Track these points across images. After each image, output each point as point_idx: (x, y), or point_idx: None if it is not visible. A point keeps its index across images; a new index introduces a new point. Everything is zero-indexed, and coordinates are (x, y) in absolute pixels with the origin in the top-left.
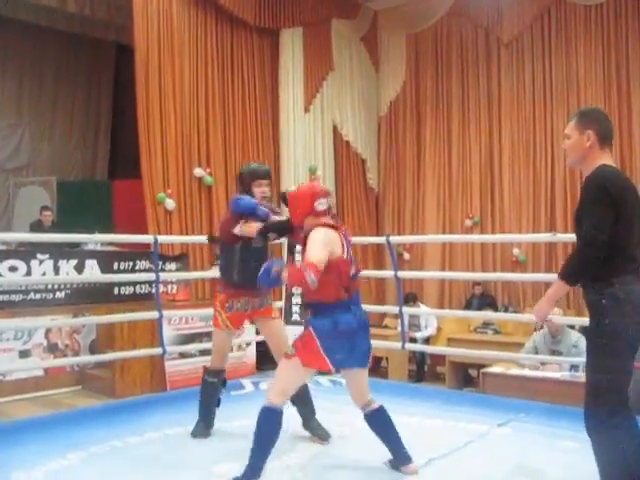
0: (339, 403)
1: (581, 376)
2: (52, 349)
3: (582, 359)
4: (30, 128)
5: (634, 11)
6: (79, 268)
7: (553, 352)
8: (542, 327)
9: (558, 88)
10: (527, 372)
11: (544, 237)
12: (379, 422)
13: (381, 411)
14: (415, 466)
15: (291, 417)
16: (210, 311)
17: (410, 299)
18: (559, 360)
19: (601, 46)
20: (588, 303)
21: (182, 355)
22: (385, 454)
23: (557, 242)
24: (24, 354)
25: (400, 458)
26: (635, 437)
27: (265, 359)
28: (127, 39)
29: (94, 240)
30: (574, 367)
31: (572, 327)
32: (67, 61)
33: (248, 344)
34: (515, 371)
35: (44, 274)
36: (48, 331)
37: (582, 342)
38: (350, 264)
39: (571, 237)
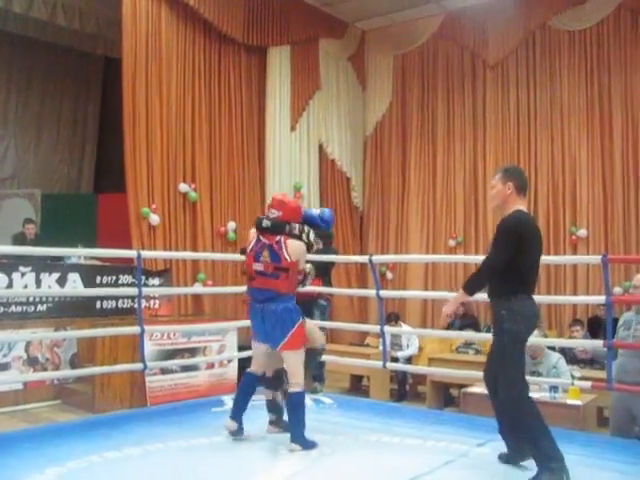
0: (318, 422)
1: (561, 397)
2: (32, 362)
3: (562, 380)
4: (16, 140)
5: (616, 37)
6: (61, 281)
7: (533, 373)
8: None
9: (542, 111)
10: None
11: None
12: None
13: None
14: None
15: (270, 439)
16: (191, 327)
17: (392, 318)
18: (539, 381)
19: (584, 70)
20: (493, 313)
21: (163, 371)
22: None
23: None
24: (3, 367)
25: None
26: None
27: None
28: (115, 53)
29: (78, 254)
30: (554, 388)
31: (552, 349)
32: (55, 73)
33: (230, 360)
34: None
35: (26, 287)
36: (29, 344)
37: (562, 363)
38: (252, 259)
39: (553, 259)
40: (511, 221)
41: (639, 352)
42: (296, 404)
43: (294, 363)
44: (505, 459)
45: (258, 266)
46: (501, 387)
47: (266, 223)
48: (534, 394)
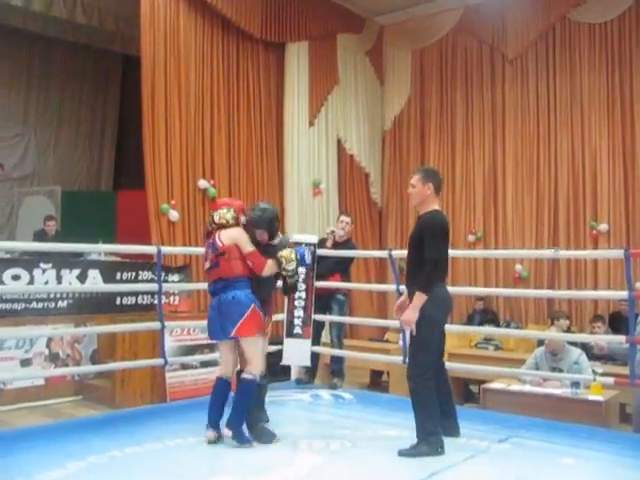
0: (338, 417)
1: (583, 393)
2: (53, 358)
3: (584, 376)
4: (36, 138)
5: (638, 30)
6: (82, 278)
7: (554, 369)
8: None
9: (562, 105)
10: (528, 388)
11: (546, 253)
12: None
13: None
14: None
15: (290, 434)
16: None
17: None
18: (560, 377)
19: (605, 64)
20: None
21: (183, 366)
22: (386, 468)
23: (560, 258)
24: (25, 363)
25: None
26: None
27: (271, 371)
28: (134, 50)
29: (97, 250)
30: (575, 384)
31: (574, 344)
32: (74, 71)
33: None
34: (516, 387)
35: (47, 283)
36: (50, 340)
37: (583, 359)
38: (205, 258)
39: (574, 253)
40: (438, 220)
41: None
42: (245, 391)
43: (250, 349)
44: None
45: (207, 264)
46: (409, 364)
47: (212, 226)
48: (555, 390)
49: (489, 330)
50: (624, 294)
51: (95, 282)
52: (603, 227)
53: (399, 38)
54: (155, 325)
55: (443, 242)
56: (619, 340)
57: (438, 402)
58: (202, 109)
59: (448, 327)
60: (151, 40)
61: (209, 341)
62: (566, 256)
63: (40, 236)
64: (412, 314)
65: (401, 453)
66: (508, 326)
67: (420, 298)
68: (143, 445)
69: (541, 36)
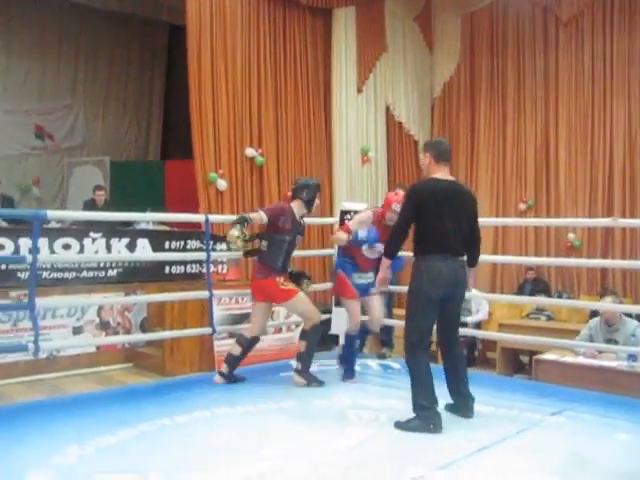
0: (386, 387)
1: (639, 366)
2: (104, 326)
3: None
4: (85, 109)
5: None
6: (131, 247)
7: (609, 341)
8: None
9: (619, 69)
10: (582, 360)
11: (603, 222)
12: None
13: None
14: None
15: (339, 404)
16: None
17: None
18: (616, 349)
19: None
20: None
21: (231, 335)
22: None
23: (614, 227)
24: (77, 331)
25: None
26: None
27: (321, 340)
28: (180, 20)
29: (146, 219)
30: (632, 357)
31: (630, 315)
32: (121, 42)
33: (297, 325)
34: (569, 359)
35: (97, 252)
36: (100, 308)
37: None
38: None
39: (632, 222)
40: (411, 189)
41: None
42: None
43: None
44: (449, 408)
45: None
46: (405, 334)
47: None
48: (610, 363)
49: (541, 300)
50: None
51: (144, 251)
52: None
53: (448, 2)
54: (203, 294)
55: (408, 211)
56: None
57: (448, 379)
58: (249, 77)
59: (499, 297)
60: (197, 8)
61: None
62: (625, 225)
63: (90, 206)
64: (380, 274)
65: (396, 425)
66: (560, 296)
67: (384, 261)
68: (192, 413)
69: None
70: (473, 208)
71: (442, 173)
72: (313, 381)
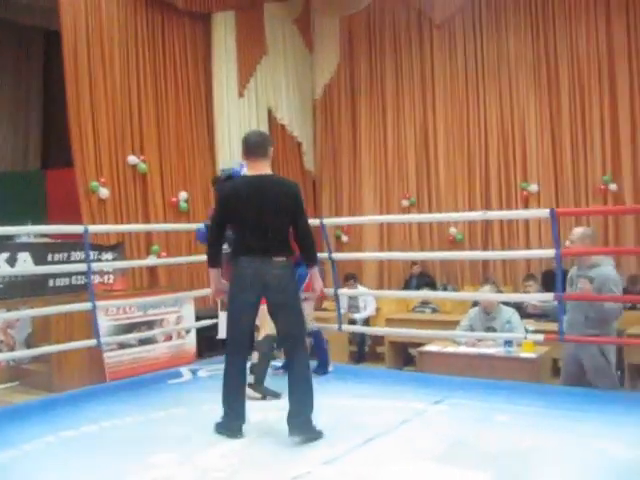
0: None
1: (515, 351)
2: None
3: (515, 334)
4: None
5: None
6: (11, 261)
7: (488, 329)
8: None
9: (490, 69)
10: (463, 349)
11: (475, 215)
12: None
13: None
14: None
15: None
16: (146, 300)
17: (350, 277)
18: (492, 336)
19: (530, 28)
20: None
21: (121, 346)
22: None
23: (492, 220)
24: None
25: None
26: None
27: (210, 345)
28: (55, 24)
29: (24, 231)
30: (508, 342)
31: (506, 304)
32: None
33: (188, 331)
34: (451, 349)
35: None
36: None
37: (515, 317)
38: None
39: (502, 214)
40: (219, 193)
41: (581, 305)
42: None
43: None
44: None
45: None
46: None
47: None
48: (488, 350)
49: (424, 294)
50: (552, 252)
51: (26, 265)
52: (533, 188)
53: (327, 5)
54: (86, 306)
55: (217, 214)
56: (548, 297)
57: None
58: (128, 84)
59: (384, 293)
60: (71, 14)
61: (146, 319)
62: (494, 217)
63: None
64: (212, 285)
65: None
66: (445, 289)
67: (210, 272)
68: (79, 428)
69: (467, 0)
70: (285, 201)
71: (255, 169)
72: (268, 394)
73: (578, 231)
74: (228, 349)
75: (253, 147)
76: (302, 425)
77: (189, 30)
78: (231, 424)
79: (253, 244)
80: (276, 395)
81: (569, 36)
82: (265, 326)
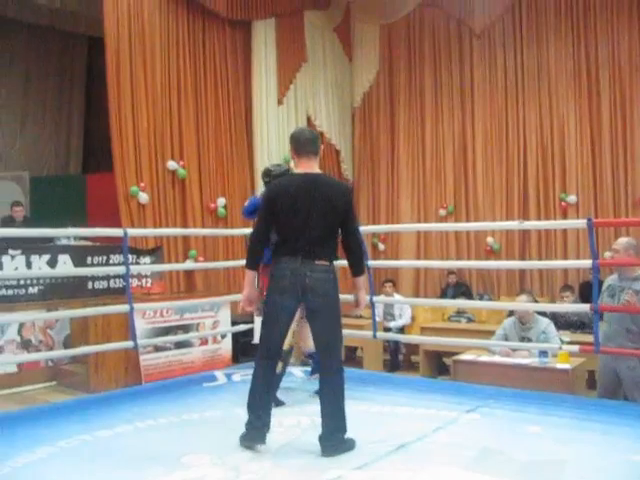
0: (309, 393)
1: (550, 362)
2: (26, 345)
3: (550, 345)
4: (1, 122)
5: (602, 2)
6: (52, 263)
7: (523, 339)
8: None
9: (529, 78)
10: (497, 359)
11: (511, 225)
12: None
13: None
14: None
15: None
16: (183, 303)
17: (389, 280)
18: (527, 346)
19: (571, 36)
20: None
21: (157, 349)
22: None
23: (530, 230)
24: None
25: None
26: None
27: (245, 350)
28: (99, 32)
29: (66, 235)
30: (543, 353)
31: (543, 314)
32: (37, 54)
33: (223, 336)
34: (485, 358)
35: (16, 269)
36: (21, 327)
37: (551, 328)
38: None
39: (538, 224)
40: (265, 191)
41: (623, 317)
42: None
43: None
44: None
45: None
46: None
47: None
48: (523, 360)
49: (460, 303)
50: (589, 263)
51: (66, 267)
52: (572, 199)
53: (366, 13)
54: (124, 308)
55: (263, 212)
56: (584, 308)
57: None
58: (169, 89)
59: (420, 301)
60: (115, 21)
61: (182, 322)
62: (531, 227)
63: (7, 222)
64: (244, 291)
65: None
66: (481, 298)
67: (246, 274)
68: (114, 428)
69: (507, 10)
70: (335, 203)
71: (305, 167)
72: (274, 402)
73: (622, 241)
74: (260, 353)
75: (305, 144)
76: (334, 450)
77: (229, 37)
78: (254, 433)
79: (297, 245)
80: (280, 403)
81: (610, 43)
82: (307, 342)
